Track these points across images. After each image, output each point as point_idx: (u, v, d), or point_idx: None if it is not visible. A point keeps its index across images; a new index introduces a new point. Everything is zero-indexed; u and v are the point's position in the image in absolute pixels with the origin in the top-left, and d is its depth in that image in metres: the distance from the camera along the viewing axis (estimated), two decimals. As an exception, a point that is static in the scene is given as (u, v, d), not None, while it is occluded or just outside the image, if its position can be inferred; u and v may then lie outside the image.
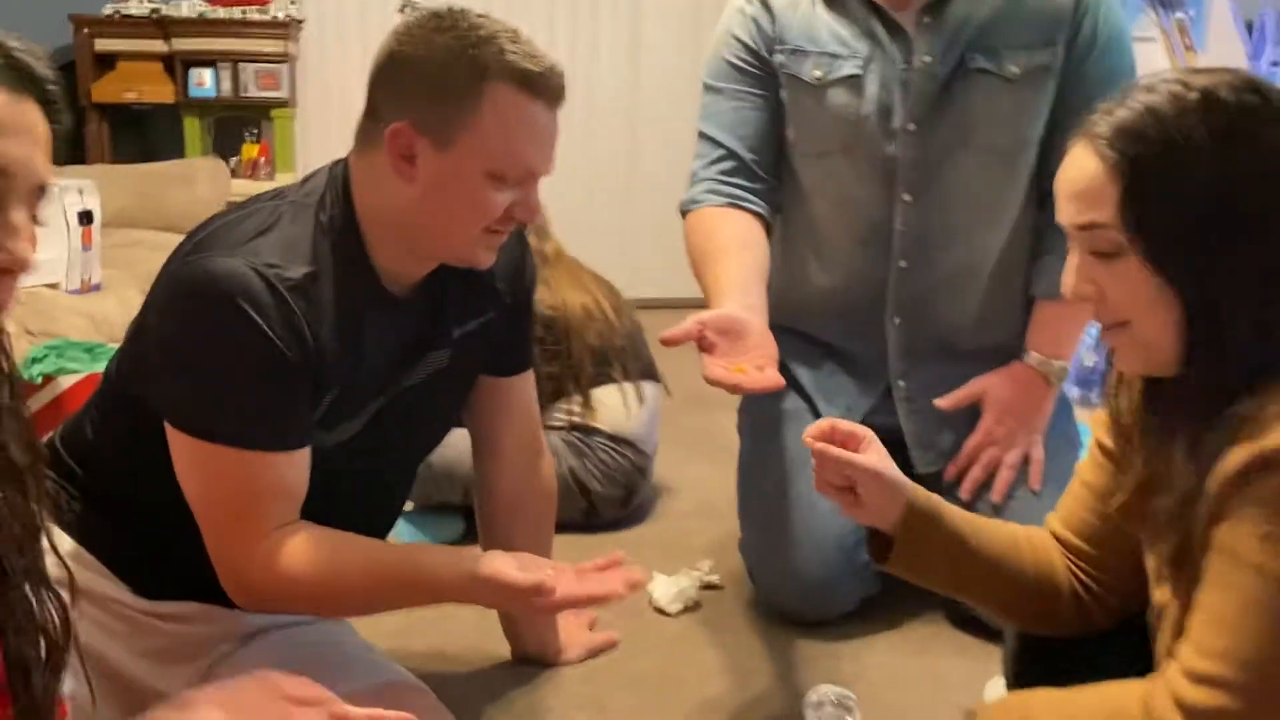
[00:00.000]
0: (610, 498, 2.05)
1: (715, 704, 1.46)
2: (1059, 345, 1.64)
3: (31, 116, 0.70)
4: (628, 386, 2.11)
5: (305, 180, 1.23)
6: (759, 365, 1.28)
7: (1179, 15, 2.90)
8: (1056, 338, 1.64)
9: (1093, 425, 1.12)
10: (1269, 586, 0.81)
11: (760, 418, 1.77)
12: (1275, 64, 2.60)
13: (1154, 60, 3.08)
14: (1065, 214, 0.95)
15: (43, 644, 0.75)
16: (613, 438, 2.07)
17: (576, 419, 2.07)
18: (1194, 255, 0.87)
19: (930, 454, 1.70)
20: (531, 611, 1.24)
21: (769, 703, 1.47)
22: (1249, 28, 2.67)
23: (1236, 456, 0.83)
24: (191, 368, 1.10)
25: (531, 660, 1.52)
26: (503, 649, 1.54)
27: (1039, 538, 1.14)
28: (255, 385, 1.08)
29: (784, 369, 1.74)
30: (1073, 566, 1.11)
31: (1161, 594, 0.96)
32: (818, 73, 1.61)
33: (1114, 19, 1.59)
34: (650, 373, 2.18)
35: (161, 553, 1.18)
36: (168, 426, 1.10)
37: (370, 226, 1.18)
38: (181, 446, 1.10)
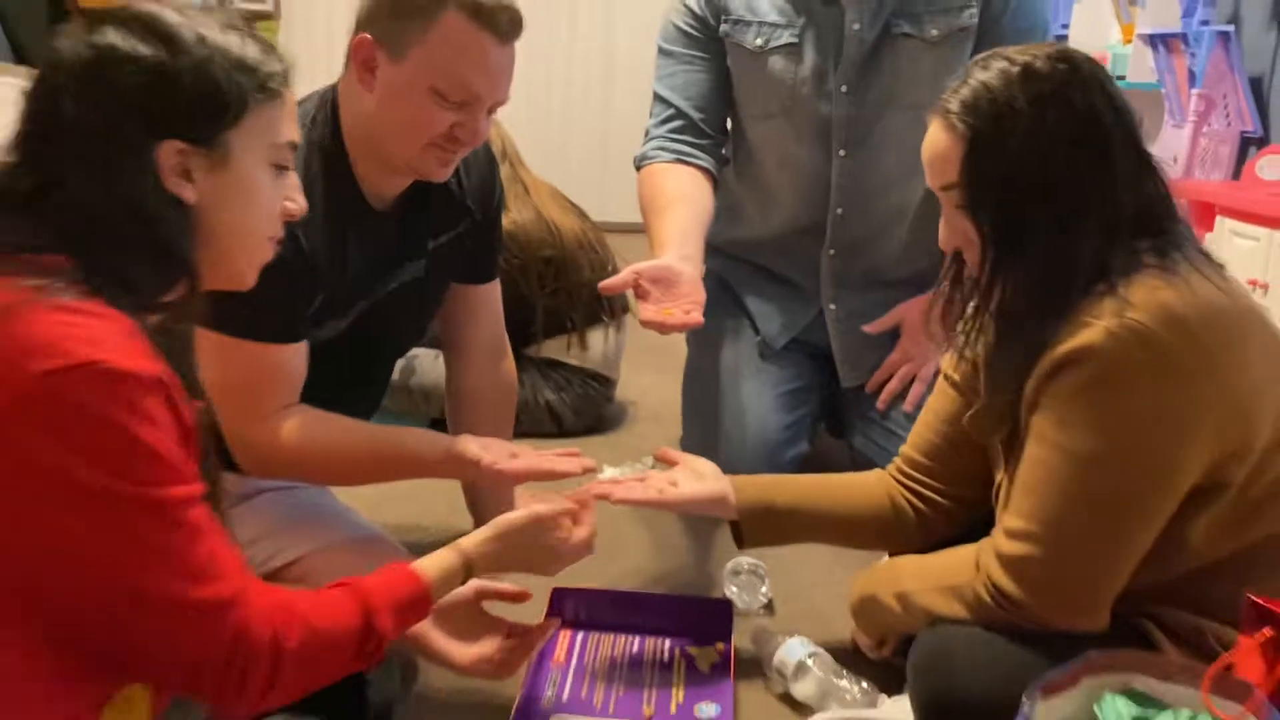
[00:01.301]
0: (580, 424, 2.25)
1: (648, 570, 1.68)
2: (972, 275, 1.84)
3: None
4: (612, 325, 2.27)
5: (300, 103, 1.39)
6: (686, 309, 1.43)
7: (1127, -30, 3.06)
8: (969, 268, 1.84)
9: (942, 364, 1.32)
10: (1063, 458, 1.03)
11: (705, 333, 1.97)
12: (1204, 23, 2.76)
13: (1100, 12, 3.24)
14: (929, 179, 1.13)
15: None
16: (593, 375, 2.25)
17: (569, 359, 2.23)
18: (1013, 209, 1.05)
19: (855, 370, 1.91)
20: (493, 482, 1.44)
21: (695, 570, 1.70)
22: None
23: (1044, 363, 1.04)
24: None
25: (492, 538, 1.74)
26: (466, 522, 1.73)
27: (871, 481, 1.36)
28: (259, 285, 1.25)
29: (730, 291, 1.96)
30: (920, 487, 1.31)
31: (999, 476, 1.17)
32: (759, 41, 1.75)
33: None
34: (626, 305, 2.31)
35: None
36: None
37: (352, 144, 1.34)
38: (200, 340, 1.28)
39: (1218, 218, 2.43)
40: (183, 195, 0.86)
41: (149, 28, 0.85)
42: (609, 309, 2.27)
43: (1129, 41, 3.08)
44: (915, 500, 1.32)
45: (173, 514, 0.80)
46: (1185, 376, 0.98)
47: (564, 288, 2.18)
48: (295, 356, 1.33)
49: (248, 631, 0.83)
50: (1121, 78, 3.04)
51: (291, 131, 0.94)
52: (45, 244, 0.82)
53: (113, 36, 0.84)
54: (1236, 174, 2.72)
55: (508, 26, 1.29)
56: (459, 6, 1.26)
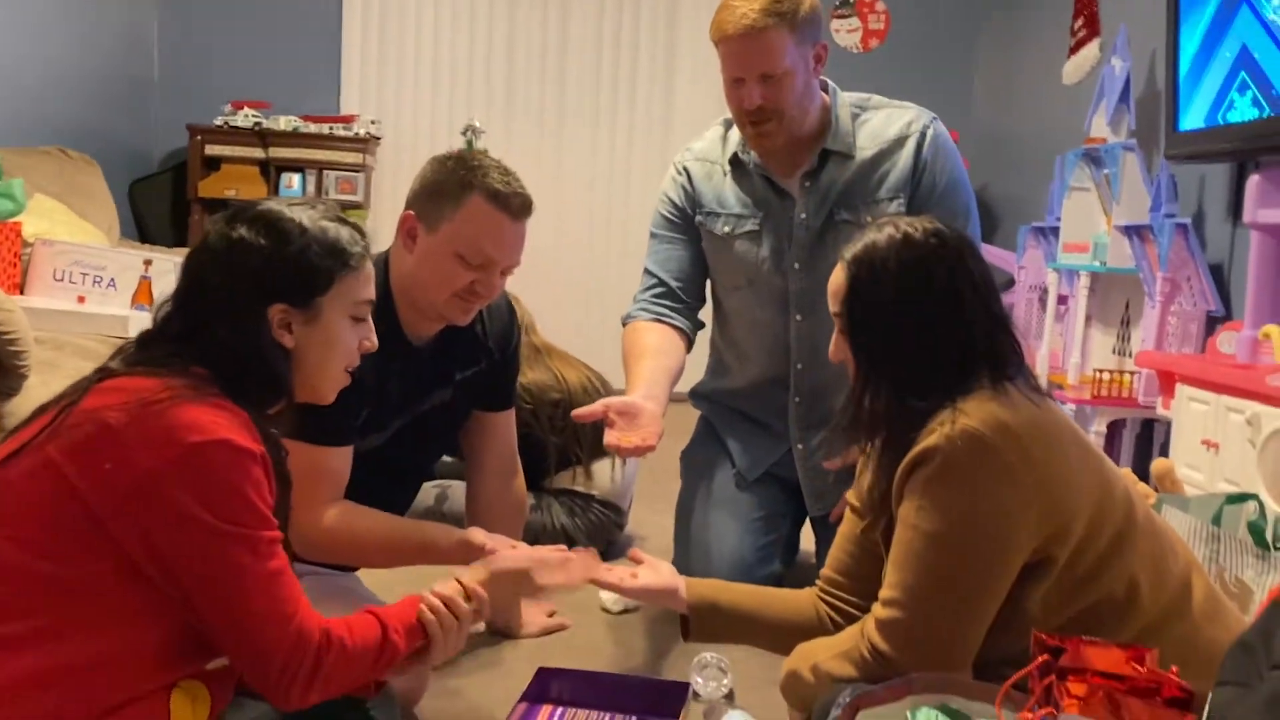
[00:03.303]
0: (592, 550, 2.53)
1: (631, 664, 1.94)
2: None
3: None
4: (616, 458, 2.59)
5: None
6: (642, 438, 1.78)
7: (1106, 171, 3.44)
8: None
9: (847, 496, 1.59)
10: (918, 538, 1.29)
11: (692, 465, 2.29)
12: (1169, 216, 3.09)
13: (1087, 204, 3.61)
14: (829, 306, 1.44)
15: None
16: (603, 503, 2.56)
17: (578, 487, 2.56)
18: (875, 339, 1.36)
19: (820, 502, 2.19)
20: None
21: (672, 666, 1.94)
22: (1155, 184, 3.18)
23: (904, 463, 1.32)
24: None
25: (499, 631, 2.02)
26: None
27: (802, 596, 1.59)
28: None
29: (713, 431, 2.29)
30: (837, 601, 1.55)
31: (887, 565, 1.43)
32: (726, 229, 2.14)
33: (949, 169, 2.06)
34: None
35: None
36: None
37: (396, 293, 1.73)
38: None
39: (1177, 385, 2.69)
40: (284, 342, 1.22)
41: (268, 223, 1.22)
42: None
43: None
44: (833, 613, 1.55)
45: (265, 549, 1.13)
46: (1007, 468, 1.26)
47: (570, 426, 2.52)
48: (341, 458, 1.68)
49: (305, 636, 1.14)
50: (1104, 263, 3.37)
51: (368, 292, 1.29)
52: (189, 362, 1.18)
53: (242, 230, 1.22)
54: (1204, 348, 2.98)
55: (519, 209, 1.69)
56: (482, 192, 1.67)
